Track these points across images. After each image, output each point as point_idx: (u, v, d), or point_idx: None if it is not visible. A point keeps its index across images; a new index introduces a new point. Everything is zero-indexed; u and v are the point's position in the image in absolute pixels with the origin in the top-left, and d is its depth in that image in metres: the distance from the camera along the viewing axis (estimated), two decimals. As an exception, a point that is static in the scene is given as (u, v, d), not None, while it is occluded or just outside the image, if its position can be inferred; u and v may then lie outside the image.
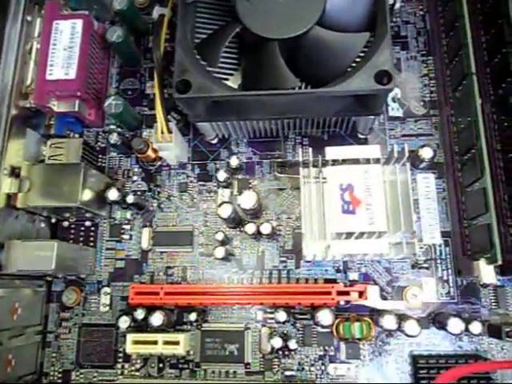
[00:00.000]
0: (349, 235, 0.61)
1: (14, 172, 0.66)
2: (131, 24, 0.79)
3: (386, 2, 0.59)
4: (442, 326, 0.63)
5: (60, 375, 0.70)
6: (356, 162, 0.62)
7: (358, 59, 0.59)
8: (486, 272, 0.60)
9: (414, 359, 0.65)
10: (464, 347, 0.65)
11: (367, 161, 0.62)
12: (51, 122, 0.76)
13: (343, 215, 0.60)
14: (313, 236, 0.60)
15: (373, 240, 0.61)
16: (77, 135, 0.78)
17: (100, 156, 0.77)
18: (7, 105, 0.66)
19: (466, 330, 0.62)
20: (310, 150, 0.63)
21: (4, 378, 0.64)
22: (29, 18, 0.70)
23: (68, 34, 0.71)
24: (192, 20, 0.65)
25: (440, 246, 0.68)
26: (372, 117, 0.65)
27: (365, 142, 0.73)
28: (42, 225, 0.73)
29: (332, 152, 0.62)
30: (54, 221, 0.75)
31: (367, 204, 0.59)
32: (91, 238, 0.74)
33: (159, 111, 0.67)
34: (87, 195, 0.68)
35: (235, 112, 0.64)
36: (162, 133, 0.68)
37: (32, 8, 0.71)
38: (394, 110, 0.74)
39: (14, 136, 0.67)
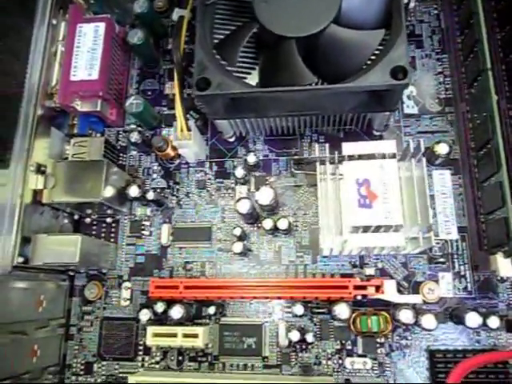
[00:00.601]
0: (366, 229, 0.62)
1: (40, 169, 0.69)
2: (151, 27, 0.81)
3: (400, -1, 0.60)
4: (460, 321, 0.64)
5: (82, 367, 0.72)
6: (372, 157, 0.63)
7: (373, 56, 0.60)
8: (504, 265, 0.60)
9: (431, 354, 0.65)
10: (482, 342, 0.65)
11: (383, 156, 0.63)
12: (74, 122, 0.79)
13: (360, 209, 0.60)
14: (330, 230, 0.61)
15: (389, 234, 0.62)
16: (98, 134, 0.80)
17: (121, 154, 0.80)
18: (34, 105, 0.68)
19: (484, 324, 0.62)
20: (327, 145, 0.64)
21: (29, 368, 0.66)
22: (54, 22, 0.73)
23: (91, 36, 0.74)
24: (211, 20, 0.67)
25: (457, 241, 0.69)
26: (387, 113, 0.66)
27: (380, 139, 0.74)
28: (66, 221, 0.76)
29: (348, 147, 0.63)
30: (76, 217, 0.77)
31: (383, 198, 0.60)
32: (112, 234, 0.77)
33: (179, 109, 0.69)
34: (109, 191, 0.70)
35: (253, 109, 0.66)
36: (182, 131, 0.69)
37: (57, 12, 0.74)
38: (409, 107, 0.75)
39: (39, 135, 0.69)
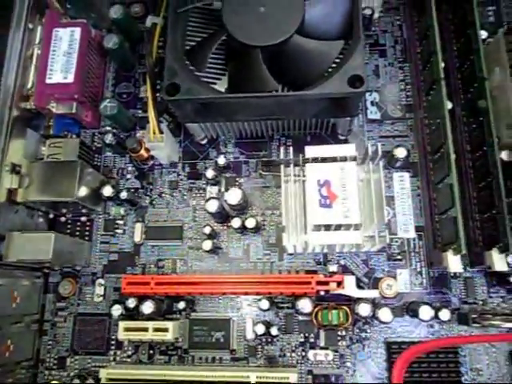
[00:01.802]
0: (327, 228, 0.65)
1: (15, 169, 0.71)
2: (127, 32, 0.84)
3: (359, 11, 0.64)
4: (415, 314, 0.68)
5: (55, 361, 0.74)
6: (334, 160, 0.67)
7: (333, 65, 0.64)
8: (453, 262, 0.64)
9: (389, 345, 0.69)
10: (435, 334, 0.69)
11: (344, 159, 0.67)
12: (50, 123, 0.81)
13: (321, 209, 0.64)
14: (293, 229, 0.65)
15: (348, 232, 0.66)
16: (74, 135, 0.83)
17: (96, 155, 0.82)
18: (9, 106, 0.70)
19: (436, 317, 0.66)
20: (291, 149, 0.67)
21: (2, 362, 0.67)
22: (30, 26, 0.75)
23: (67, 40, 0.76)
24: (183, 28, 0.70)
25: (414, 239, 0.73)
26: (349, 118, 0.70)
27: (345, 142, 0.78)
28: (40, 220, 0.78)
29: (311, 151, 0.67)
30: (51, 216, 0.79)
31: (343, 198, 0.64)
32: (87, 233, 0.79)
33: (151, 113, 0.72)
34: (83, 191, 0.72)
35: (222, 114, 0.69)
36: (154, 133, 0.72)
37: (34, 16, 0.76)
38: (373, 113, 0.79)
39: (15, 136, 0.72)
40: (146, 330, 0.69)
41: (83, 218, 0.79)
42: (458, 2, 0.75)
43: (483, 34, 0.74)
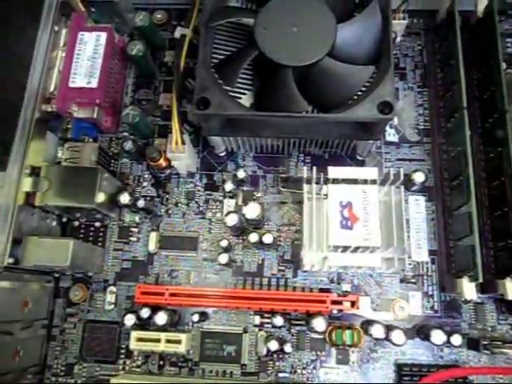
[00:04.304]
0: (345, 249, 0.66)
1: (34, 172, 0.70)
2: (149, 39, 0.84)
3: (390, 38, 0.65)
4: (426, 337, 0.69)
5: (63, 368, 0.73)
6: (355, 181, 0.68)
7: (363, 89, 0.65)
8: (468, 289, 0.66)
9: (399, 367, 0.70)
10: (445, 358, 0.70)
11: (365, 181, 0.68)
12: (69, 126, 0.80)
13: (341, 230, 0.65)
14: (312, 247, 0.66)
15: (366, 254, 0.67)
16: (91, 140, 0.82)
17: (112, 161, 0.82)
18: (32, 108, 0.70)
19: (448, 341, 0.67)
20: (314, 168, 0.68)
21: (11, 368, 0.67)
22: (56, 28, 0.75)
23: (92, 45, 0.76)
24: (211, 41, 0.70)
25: (427, 263, 0.74)
26: (371, 141, 0.71)
27: (362, 163, 0.79)
28: (54, 223, 0.77)
29: (334, 171, 0.67)
30: (65, 220, 0.78)
31: (364, 221, 0.65)
32: (100, 239, 0.78)
33: (175, 123, 0.72)
34: (101, 197, 0.72)
35: (246, 129, 0.69)
36: (176, 144, 0.72)
37: (60, 19, 0.76)
38: (391, 135, 0.80)
39: (35, 138, 0.71)
40: (158, 340, 0.69)
41: (97, 224, 0.79)
42: (479, 32, 0.77)
43: (503, 65, 0.76)
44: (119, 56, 0.82)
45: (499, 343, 0.67)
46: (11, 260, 0.65)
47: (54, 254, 0.66)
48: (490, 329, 0.71)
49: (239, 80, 0.69)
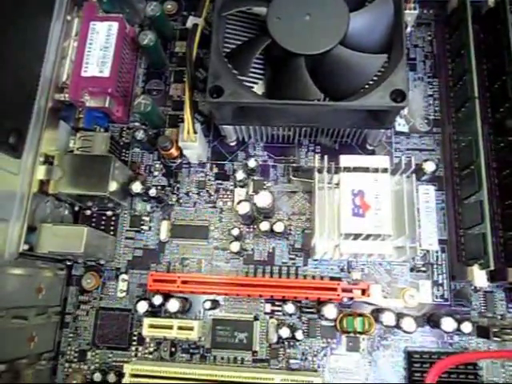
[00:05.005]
0: (356, 236, 0.67)
1: (48, 160, 0.71)
2: (160, 29, 0.84)
3: (402, 27, 0.65)
4: (436, 325, 0.69)
5: (76, 354, 0.74)
6: (365, 170, 0.69)
7: (375, 77, 0.65)
8: (479, 276, 0.66)
9: (409, 354, 0.70)
10: (454, 345, 0.71)
11: (376, 170, 0.68)
12: (80, 116, 0.81)
13: (353, 218, 0.65)
14: (324, 235, 0.66)
15: (378, 242, 0.67)
16: (102, 129, 0.82)
17: (124, 150, 0.82)
18: (46, 97, 0.70)
19: (458, 329, 0.67)
20: (326, 157, 0.68)
21: (27, 353, 0.67)
22: (68, 18, 0.75)
23: (104, 35, 0.76)
24: (223, 30, 0.70)
25: (437, 252, 0.74)
26: (382, 131, 0.71)
27: (372, 153, 0.79)
28: (66, 212, 0.77)
29: (345, 160, 0.68)
30: (77, 209, 0.79)
31: (376, 209, 0.65)
32: (112, 227, 0.79)
33: (187, 113, 0.72)
34: (114, 186, 0.72)
35: (259, 118, 0.70)
36: (188, 133, 0.73)
37: (72, 8, 0.76)
38: (401, 125, 0.81)
39: (49, 127, 0.71)
40: (170, 327, 0.70)
41: (109, 213, 0.79)
42: (490, 23, 0.77)
43: (514, 56, 0.76)
44: (130, 46, 0.82)
45: (509, 331, 0.68)
46: (26, 247, 0.65)
47: (69, 241, 0.66)
48: (499, 317, 0.71)
49: (252, 69, 0.69)
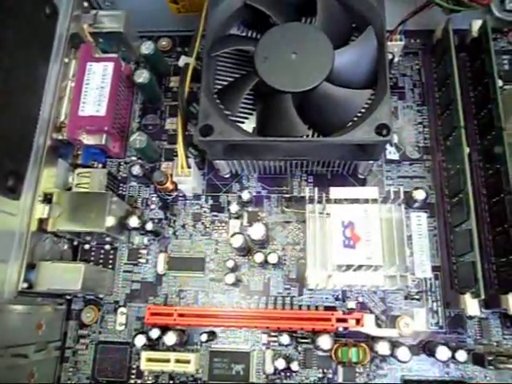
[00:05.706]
0: (348, 267, 0.68)
1: (46, 198, 0.73)
2: (155, 66, 0.87)
3: (386, 62, 0.67)
4: (431, 354, 0.69)
5: (76, 389, 0.75)
6: (356, 201, 0.70)
7: (360, 112, 0.67)
8: (471, 305, 0.66)
9: (406, 383, 0.70)
10: (451, 373, 0.71)
11: (366, 200, 0.70)
12: (79, 153, 0.83)
13: (344, 249, 0.66)
14: (316, 266, 0.67)
15: (370, 272, 0.68)
16: (100, 165, 0.85)
17: (121, 185, 0.84)
18: (44, 137, 0.73)
19: (453, 357, 0.68)
20: (316, 189, 0.70)
21: (27, 390, 0.69)
22: (66, 60, 0.78)
23: (100, 75, 0.79)
24: (213, 69, 0.73)
25: (430, 279, 0.75)
26: (371, 161, 0.73)
27: (364, 181, 0.80)
28: (65, 247, 0.79)
29: (335, 192, 0.69)
30: (75, 243, 0.81)
31: (366, 240, 0.66)
32: (110, 261, 0.81)
33: (180, 148, 0.75)
34: (110, 221, 0.74)
35: (250, 153, 0.71)
36: (182, 168, 0.75)
37: (69, 50, 0.79)
38: (391, 153, 0.82)
39: (47, 165, 0.74)
40: (168, 360, 0.71)
41: (107, 246, 0.81)
42: (475, 52, 0.79)
43: (499, 82, 0.77)
44: (126, 83, 0.85)
45: (504, 358, 0.68)
46: (25, 285, 0.67)
47: (67, 278, 0.68)
48: (495, 344, 0.71)
49: (241, 105, 0.71)
